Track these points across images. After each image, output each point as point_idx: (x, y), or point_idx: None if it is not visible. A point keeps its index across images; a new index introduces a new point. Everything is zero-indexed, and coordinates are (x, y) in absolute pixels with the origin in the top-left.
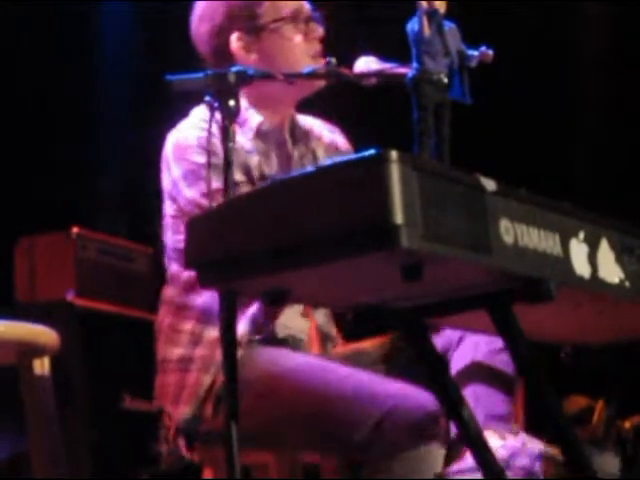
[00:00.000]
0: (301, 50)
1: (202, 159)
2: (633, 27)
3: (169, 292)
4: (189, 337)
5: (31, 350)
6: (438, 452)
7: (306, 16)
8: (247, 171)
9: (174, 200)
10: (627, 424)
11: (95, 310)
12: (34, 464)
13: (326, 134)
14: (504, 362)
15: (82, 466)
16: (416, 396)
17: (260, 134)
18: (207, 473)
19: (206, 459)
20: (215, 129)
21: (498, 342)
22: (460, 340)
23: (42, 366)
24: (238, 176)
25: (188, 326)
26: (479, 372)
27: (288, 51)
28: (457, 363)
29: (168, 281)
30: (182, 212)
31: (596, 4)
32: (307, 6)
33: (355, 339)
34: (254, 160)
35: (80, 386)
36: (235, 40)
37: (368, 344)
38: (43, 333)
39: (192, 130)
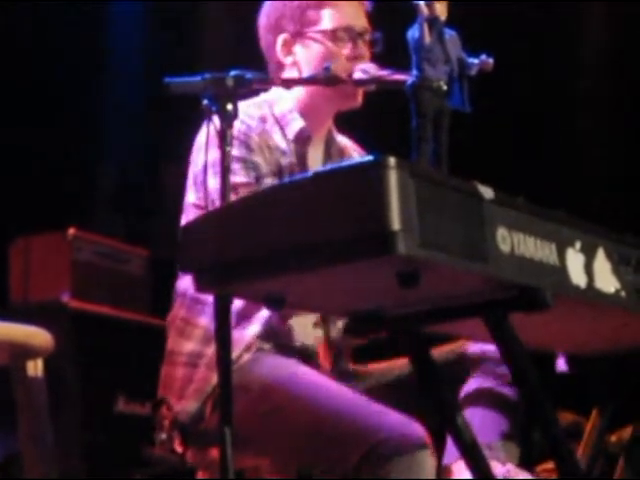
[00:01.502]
0: (335, 66)
1: (237, 152)
2: (633, 29)
3: (183, 284)
4: (203, 333)
5: (24, 352)
6: (428, 459)
7: (355, 34)
8: (278, 170)
9: (197, 189)
10: (613, 438)
11: (90, 312)
12: (26, 465)
13: (356, 157)
14: (509, 392)
15: (75, 467)
16: (407, 426)
17: (299, 139)
18: (201, 476)
19: (200, 462)
20: (253, 123)
21: (506, 376)
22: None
23: (35, 368)
24: (268, 173)
25: (203, 322)
26: (480, 399)
27: (320, 63)
28: (463, 391)
29: (179, 274)
30: (205, 200)
31: (597, 4)
32: (362, 25)
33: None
34: (286, 161)
35: (74, 388)
36: (280, 40)
37: (382, 366)
38: (37, 335)
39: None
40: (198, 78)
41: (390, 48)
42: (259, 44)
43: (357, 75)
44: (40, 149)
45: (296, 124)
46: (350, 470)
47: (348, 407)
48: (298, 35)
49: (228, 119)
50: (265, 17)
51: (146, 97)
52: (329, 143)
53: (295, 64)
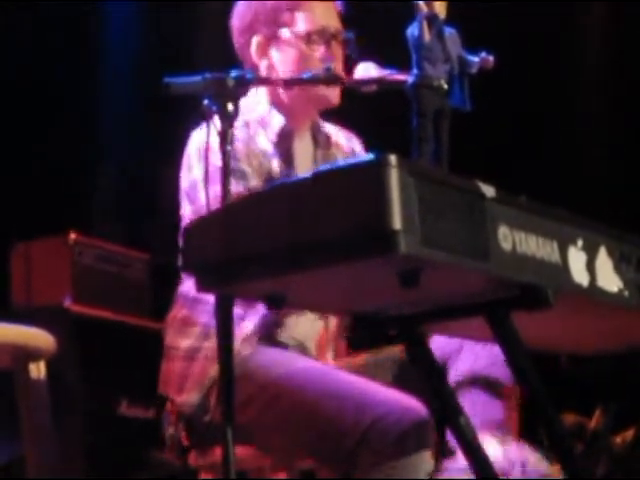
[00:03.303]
0: (310, 68)
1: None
2: (633, 29)
3: (185, 287)
4: (200, 330)
5: (27, 353)
6: (427, 461)
7: (329, 36)
8: (268, 175)
9: (192, 201)
10: (618, 439)
11: (91, 316)
12: (29, 468)
13: (343, 141)
14: (503, 373)
15: (77, 471)
16: (406, 403)
17: (283, 135)
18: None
19: (202, 464)
20: (240, 133)
21: (498, 353)
22: (458, 351)
23: (38, 370)
24: (257, 180)
25: (202, 319)
26: (477, 381)
27: (295, 66)
28: (456, 373)
29: (185, 277)
30: (199, 214)
31: (597, 4)
32: (335, 26)
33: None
34: (275, 164)
35: (76, 392)
36: (254, 43)
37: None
38: (39, 336)
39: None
40: (198, 78)
41: (390, 47)
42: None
43: (357, 75)
44: (39, 154)
45: (276, 121)
46: (350, 452)
47: (347, 388)
48: (272, 38)
49: (229, 119)
50: (238, 19)
51: (145, 98)
52: (315, 132)
53: (270, 67)
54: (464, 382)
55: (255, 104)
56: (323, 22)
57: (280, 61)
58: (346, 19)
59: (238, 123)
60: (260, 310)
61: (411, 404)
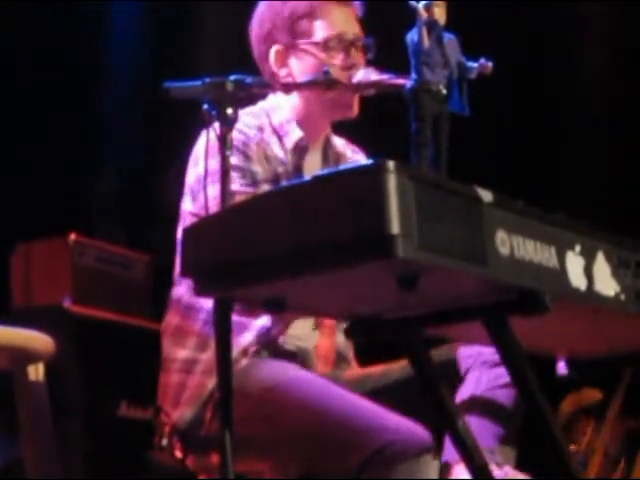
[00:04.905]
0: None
1: (235, 161)
2: (634, 29)
3: (178, 291)
4: (196, 340)
5: (25, 356)
6: (432, 463)
7: (347, 42)
8: (276, 179)
9: (195, 198)
10: (635, 424)
11: (91, 317)
12: (28, 470)
13: (350, 154)
14: (504, 396)
15: (76, 473)
16: (412, 432)
17: (297, 149)
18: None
19: (201, 468)
20: (251, 133)
21: (501, 378)
22: (465, 375)
23: (37, 372)
24: (266, 182)
25: (196, 328)
26: (476, 405)
27: (312, 74)
28: (457, 397)
29: (177, 280)
30: (203, 209)
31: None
32: (354, 32)
33: (370, 362)
34: (283, 170)
35: (76, 393)
36: (273, 52)
37: (380, 368)
38: (37, 339)
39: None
40: (198, 82)
41: (389, 52)
42: (252, 53)
43: (356, 79)
44: (39, 154)
45: (294, 134)
46: (352, 473)
47: (351, 410)
48: (291, 47)
49: (228, 123)
50: (257, 27)
51: (146, 100)
52: (326, 149)
53: (289, 76)
54: (462, 406)
55: (275, 108)
56: (340, 28)
57: (299, 70)
58: (372, 23)
59: (251, 124)
60: (258, 326)
61: (416, 431)
